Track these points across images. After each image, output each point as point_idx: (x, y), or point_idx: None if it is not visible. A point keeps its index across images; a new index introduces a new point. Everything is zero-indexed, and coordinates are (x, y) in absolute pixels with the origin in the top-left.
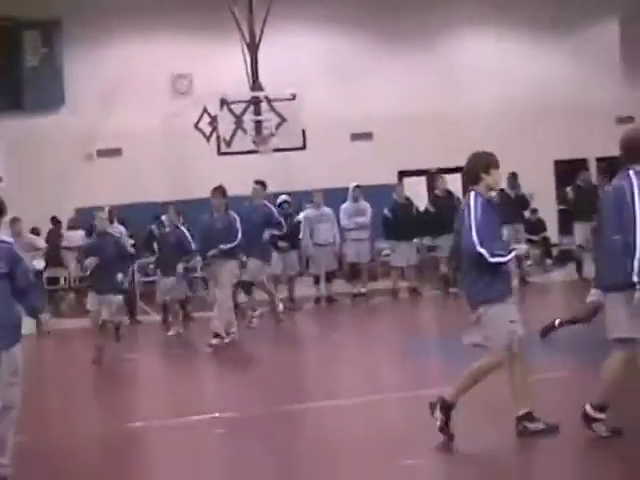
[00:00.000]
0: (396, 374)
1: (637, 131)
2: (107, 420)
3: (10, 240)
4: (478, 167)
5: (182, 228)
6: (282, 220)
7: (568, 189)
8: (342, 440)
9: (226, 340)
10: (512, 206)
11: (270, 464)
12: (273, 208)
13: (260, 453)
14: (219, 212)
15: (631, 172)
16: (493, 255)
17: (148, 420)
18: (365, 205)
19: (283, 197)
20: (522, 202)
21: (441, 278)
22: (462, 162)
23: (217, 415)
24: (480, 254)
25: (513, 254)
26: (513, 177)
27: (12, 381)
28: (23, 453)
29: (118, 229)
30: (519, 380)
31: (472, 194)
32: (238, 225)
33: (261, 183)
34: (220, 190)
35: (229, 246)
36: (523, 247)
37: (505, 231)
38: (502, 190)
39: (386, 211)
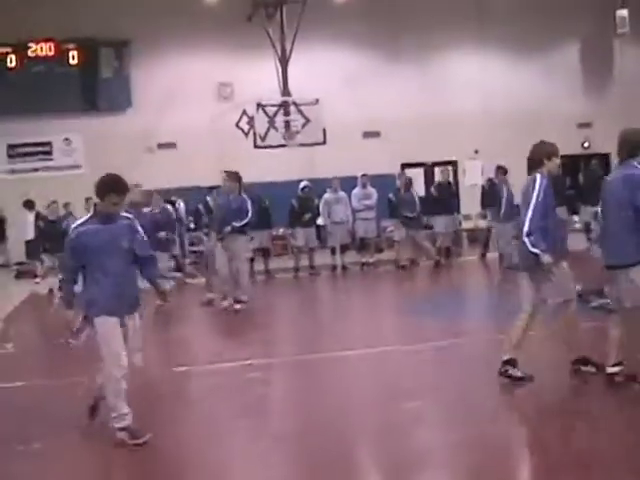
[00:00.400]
0: (396, 329)
1: (636, 130)
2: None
3: (130, 215)
4: (542, 154)
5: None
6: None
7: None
8: (350, 385)
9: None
10: (497, 193)
11: (291, 401)
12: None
13: (285, 392)
14: (234, 194)
15: (636, 162)
16: (533, 246)
17: (193, 365)
18: (372, 190)
19: (304, 183)
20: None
21: (438, 250)
22: (450, 157)
23: (250, 362)
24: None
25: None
26: (501, 169)
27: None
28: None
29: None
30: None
31: (538, 175)
32: (249, 206)
33: (234, 174)
34: (235, 175)
35: (241, 223)
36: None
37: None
38: (490, 179)
39: (391, 195)
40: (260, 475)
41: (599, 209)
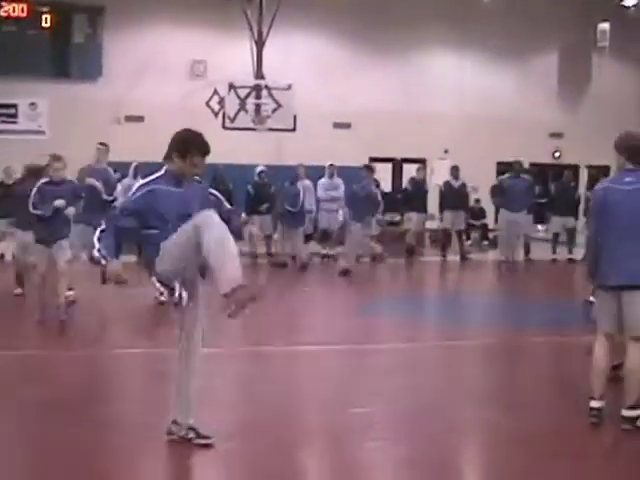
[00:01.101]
0: (348, 327)
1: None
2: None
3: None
4: None
5: None
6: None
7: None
8: (296, 383)
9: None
10: (455, 195)
11: (232, 395)
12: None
13: (227, 385)
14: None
15: None
16: None
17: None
18: (338, 181)
19: (260, 167)
20: (463, 192)
21: (406, 248)
22: (423, 155)
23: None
24: None
25: None
26: (455, 170)
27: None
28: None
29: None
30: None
31: None
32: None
33: (104, 145)
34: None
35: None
36: None
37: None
38: (447, 181)
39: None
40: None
41: (590, 222)
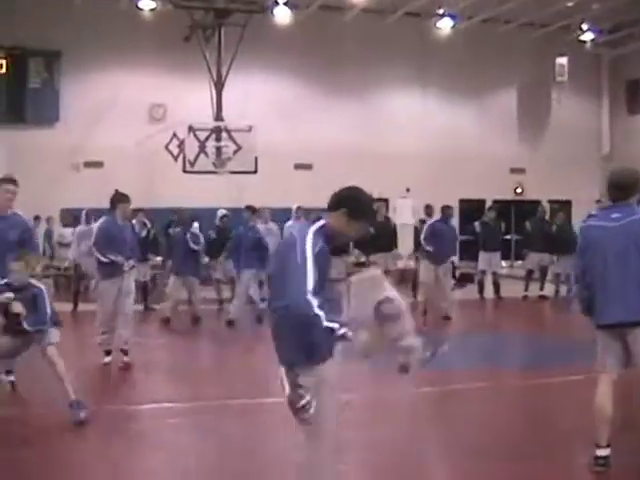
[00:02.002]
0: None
1: (630, 170)
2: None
3: None
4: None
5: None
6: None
7: (476, 223)
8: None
9: None
10: None
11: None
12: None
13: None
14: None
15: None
16: None
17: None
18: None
19: (222, 212)
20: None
21: None
22: (386, 194)
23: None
24: None
25: None
26: (428, 208)
27: None
28: None
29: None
30: None
31: None
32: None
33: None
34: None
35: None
36: None
37: None
38: (422, 219)
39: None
40: None
41: (579, 259)
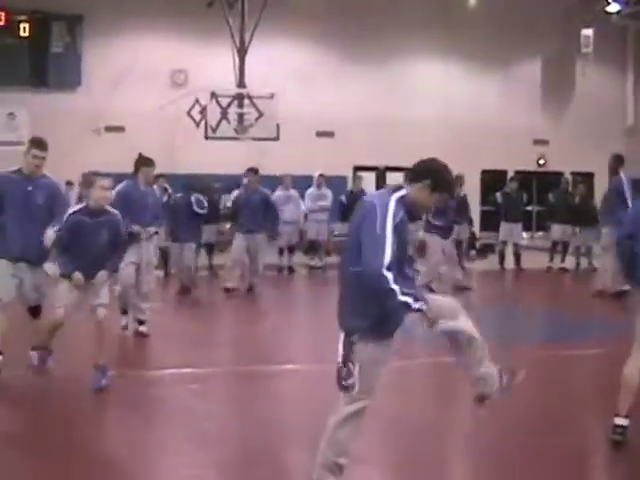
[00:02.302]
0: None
1: None
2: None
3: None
4: None
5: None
6: None
7: (497, 194)
8: (293, 405)
9: None
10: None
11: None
12: None
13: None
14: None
15: None
16: None
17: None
18: (327, 191)
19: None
20: (464, 202)
21: None
22: (406, 163)
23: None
24: None
25: None
26: (459, 179)
27: None
28: None
29: None
30: None
31: None
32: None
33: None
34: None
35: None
36: None
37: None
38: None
39: (342, 198)
40: None
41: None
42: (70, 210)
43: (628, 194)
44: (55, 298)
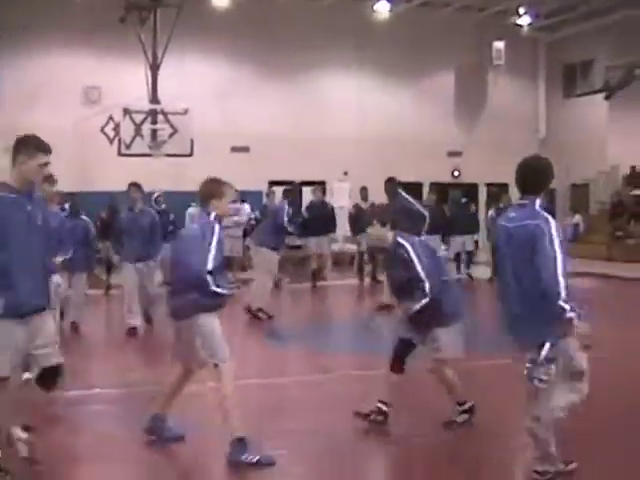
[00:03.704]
0: (259, 360)
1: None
2: None
3: None
4: None
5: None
6: None
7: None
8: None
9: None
10: (366, 216)
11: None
12: None
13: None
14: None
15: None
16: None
17: None
18: (243, 206)
19: (157, 193)
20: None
21: (311, 272)
22: (321, 177)
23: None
24: None
25: None
26: (364, 191)
27: None
28: None
29: None
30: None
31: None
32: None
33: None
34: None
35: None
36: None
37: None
38: (356, 204)
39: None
40: None
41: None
42: None
43: None
44: None
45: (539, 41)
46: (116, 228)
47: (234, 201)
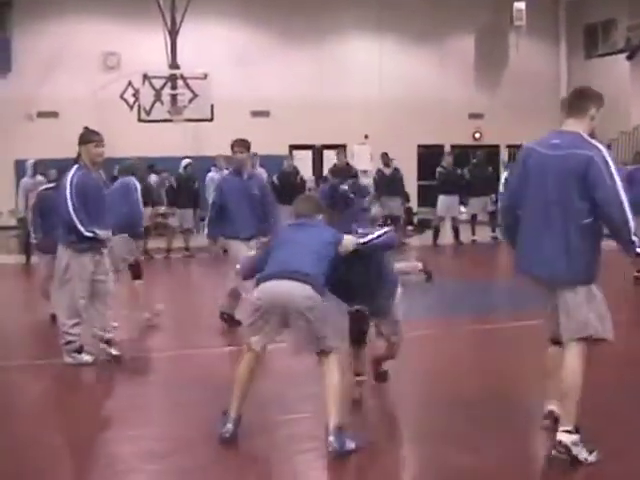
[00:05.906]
0: None
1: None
2: None
3: None
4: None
5: None
6: None
7: (438, 169)
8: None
9: None
10: (389, 182)
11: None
12: None
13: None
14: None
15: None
16: None
17: None
18: (261, 171)
19: (186, 161)
20: (396, 178)
21: None
22: (342, 141)
23: None
24: None
25: None
26: (385, 156)
27: None
28: None
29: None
30: None
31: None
32: None
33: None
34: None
35: None
36: None
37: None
38: (379, 169)
39: (274, 178)
40: None
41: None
42: None
43: None
44: None
45: (560, 1)
46: None
47: (252, 165)
